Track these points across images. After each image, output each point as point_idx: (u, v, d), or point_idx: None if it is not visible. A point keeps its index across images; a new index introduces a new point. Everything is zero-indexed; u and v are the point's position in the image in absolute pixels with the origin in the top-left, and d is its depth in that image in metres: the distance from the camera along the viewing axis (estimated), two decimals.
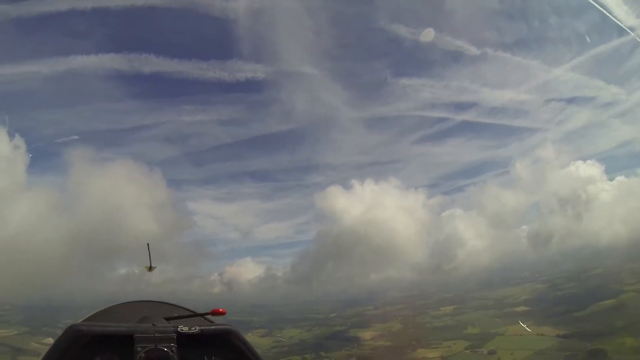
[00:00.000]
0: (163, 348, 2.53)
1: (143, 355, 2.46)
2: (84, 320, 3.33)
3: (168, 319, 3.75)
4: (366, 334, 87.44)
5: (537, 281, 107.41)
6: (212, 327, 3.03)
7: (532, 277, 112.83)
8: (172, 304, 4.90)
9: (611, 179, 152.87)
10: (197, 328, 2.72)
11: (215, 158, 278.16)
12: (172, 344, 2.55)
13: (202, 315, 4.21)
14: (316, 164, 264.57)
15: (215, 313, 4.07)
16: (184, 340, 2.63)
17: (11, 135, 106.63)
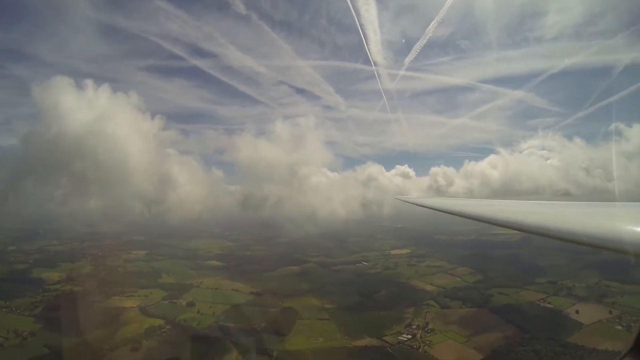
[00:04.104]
0: None
1: None
2: None
3: None
4: (52, 275, 75.90)
5: (227, 239, 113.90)
6: None
7: (221, 234, 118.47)
8: None
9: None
10: None
11: None
12: None
13: None
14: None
15: None
16: None
17: None
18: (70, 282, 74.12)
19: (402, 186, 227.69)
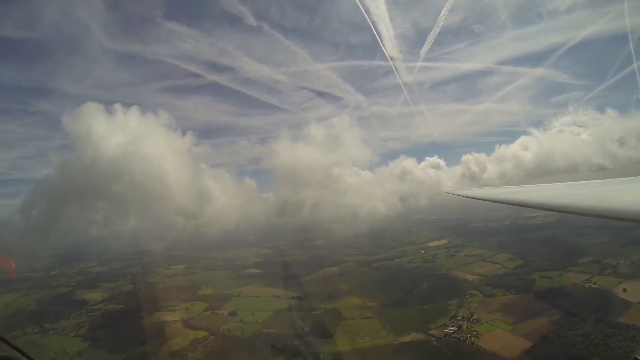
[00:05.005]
0: None
1: None
2: None
3: None
4: (95, 296, 77.00)
5: (263, 246, 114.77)
6: None
7: (257, 242, 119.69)
8: None
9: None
10: None
11: None
12: None
13: None
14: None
15: None
16: None
17: None
18: (113, 301, 75.03)
19: (435, 177, 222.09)
